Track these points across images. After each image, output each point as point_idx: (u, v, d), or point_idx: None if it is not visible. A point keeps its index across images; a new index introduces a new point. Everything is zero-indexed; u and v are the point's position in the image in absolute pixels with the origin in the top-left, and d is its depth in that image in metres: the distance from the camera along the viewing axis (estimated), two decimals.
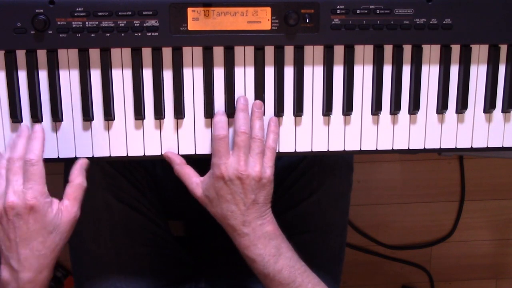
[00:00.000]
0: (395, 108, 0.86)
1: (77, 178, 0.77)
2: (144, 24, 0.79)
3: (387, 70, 0.85)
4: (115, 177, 1.00)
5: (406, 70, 0.86)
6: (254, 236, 0.81)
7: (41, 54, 0.81)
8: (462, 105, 0.87)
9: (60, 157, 0.84)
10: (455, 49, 0.86)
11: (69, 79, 0.82)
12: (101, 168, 0.99)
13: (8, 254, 0.71)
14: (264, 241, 0.82)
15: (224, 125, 0.82)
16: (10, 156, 0.73)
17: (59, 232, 0.74)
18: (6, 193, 0.70)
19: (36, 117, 0.82)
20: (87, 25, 0.78)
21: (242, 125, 0.81)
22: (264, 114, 0.85)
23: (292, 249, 0.85)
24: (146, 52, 0.82)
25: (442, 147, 0.88)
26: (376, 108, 0.86)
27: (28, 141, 0.76)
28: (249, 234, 0.81)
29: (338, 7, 0.81)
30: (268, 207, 0.84)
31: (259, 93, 0.84)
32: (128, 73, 0.82)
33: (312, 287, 0.84)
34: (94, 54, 0.81)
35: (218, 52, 0.82)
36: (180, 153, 0.85)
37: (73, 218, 0.76)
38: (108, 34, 0.79)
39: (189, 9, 0.79)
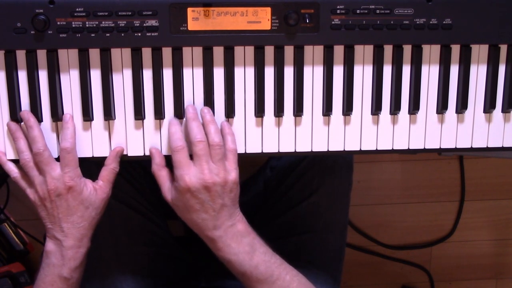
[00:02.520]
0: (395, 108, 0.86)
1: (112, 164, 0.85)
2: (144, 24, 0.79)
3: (387, 70, 0.85)
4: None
5: (406, 70, 0.86)
6: (226, 237, 0.82)
7: (41, 54, 0.80)
8: (462, 105, 0.87)
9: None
10: (455, 49, 0.86)
11: (69, 79, 0.82)
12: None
13: (52, 227, 0.82)
14: (237, 240, 0.82)
15: (180, 136, 0.81)
16: (35, 151, 0.80)
17: (94, 207, 0.83)
18: (46, 180, 0.80)
19: (36, 117, 0.81)
20: (87, 25, 0.78)
21: (197, 133, 0.80)
22: (264, 114, 0.85)
23: (265, 244, 0.85)
24: (146, 52, 0.82)
25: (442, 147, 0.88)
26: (376, 108, 0.86)
27: (37, 131, 0.81)
28: (222, 236, 0.82)
29: (338, 7, 0.81)
30: (237, 207, 0.84)
31: (259, 93, 0.84)
32: (128, 73, 0.82)
33: (291, 278, 0.84)
34: (94, 54, 0.81)
35: (218, 52, 0.82)
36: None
37: (105, 197, 0.85)
38: (108, 34, 0.79)
39: (189, 9, 0.79)
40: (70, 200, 0.81)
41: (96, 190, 0.84)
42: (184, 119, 0.83)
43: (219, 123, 0.83)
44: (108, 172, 0.85)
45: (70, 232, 0.82)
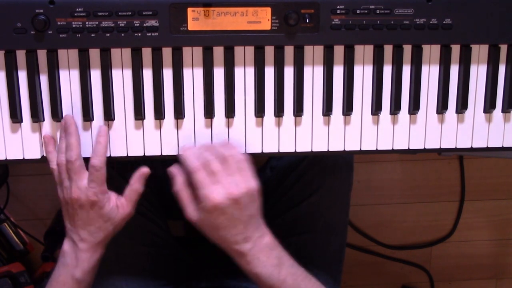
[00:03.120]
0: (395, 108, 0.86)
1: (135, 184, 0.86)
2: (144, 24, 0.79)
3: (387, 70, 0.85)
4: (114, 178, 1.00)
5: (406, 70, 0.86)
6: (255, 250, 0.80)
7: (41, 54, 0.81)
8: (462, 105, 0.87)
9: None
10: (455, 49, 0.86)
11: (69, 79, 0.82)
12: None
13: (71, 228, 0.85)
14: (266, 253, 0.81)
15: (196, 156, 0.80)
16: (68, 158, 0.81)
17: (112, 223, 0.85)
18: (71, 188, 0.82)
19: (36, 117, 0.82)
20: (87, 25, 0.78)
21: (208, 155, 0.79)
22: (264, 114, 0.84)
23: (290, 257, 0.84)
24: (146, 52, 0.82)
25: (442, 147, 0.88)
26: (376, 108, 0.86)
27: (74, 139, 0.82)
28: (251, 249, 0.80)
29: (338, 7, 0.81)
30: (261, 217, 0.83)
31: (259, 93, 0.84)
32: (128, 73, 0.82)
33: None
34: (94, 54, 0.81)
35: (218, 52, 0.82)
36: (180, 153, 0.85)
37: (126, 215, 0.86)
38: (108, 34, 0.79)
39: (189, 9, 0.79)
40: (90, 212, 0.83)
41: (118, 208, 0.85)
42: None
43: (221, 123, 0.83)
44: (131, 193, 0.86)
45: (86, 238, 0.84)
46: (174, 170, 0.82)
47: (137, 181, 0.86)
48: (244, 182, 0.79)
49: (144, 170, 0.86)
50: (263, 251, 0.81)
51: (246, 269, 0.82)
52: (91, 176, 0.81)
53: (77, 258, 0.83)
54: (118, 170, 1.01)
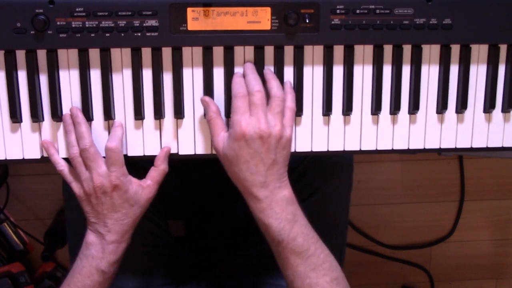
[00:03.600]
0: (395, 108, 0.86)
1: (162, 165, 0.85)
2: (144, 24, 0.79)
3: (387, 70, 0.85)
4: None
5: (406, 70, 0.86)
6: (272, 199, 0.78)
7: (41, 54, 0.81)
8: (462, 105, 0.87)
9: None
10: (455, 49, 0.86)
11: (69, 79, 0.82)
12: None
13: (96, 222, 0.83)
14: (282, 205, 0.79)
15: (244, 85, 0.79)
16: (82, 147, 0.81)
17: (139, 206, 0.84)
18: (92, 177, 0.81)
19: (36, 117, 0.82)
20: (87, 25, 0.78)
21: (256, 85, 0.78)
22: None
23: (306, 218, 0.82)
24: (146, 52, 0.82)
25: (442, 147, 0.88)
26: (376, 108, 0.86)
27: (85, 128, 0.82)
28: (268, 196, 0.78)
29: (338, 7, 0.81)
30: (286, 171, 0.81)
31: None
32: (128, 73, 0.82)
33: (324, 257, 0.81)
34: (94, 54, 0.81)
35: (218, 52, 0.82)
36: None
37: (151, 196, 0.86)
38: (108, 34, 0.79)
39: (189, 9, 0.79)
40: (115, 198, 0.82)
41: (143, 189, 0.84)
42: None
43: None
44: (157, 173, 0.85)
45: (114, 228, 0.83)
46: (206, 98, 0.82)
47: (163, 162, 0.85)
48: (279, 125, 0.78)
49: (167, 149, 0.85)
50: (279, 203, 0.79)
51: (259, 217, 0.80)
52: (110, 160, 0.81)
53: (103, 250, 0.83)
54: None
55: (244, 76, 0.82)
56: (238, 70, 0.83)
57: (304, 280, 0.79)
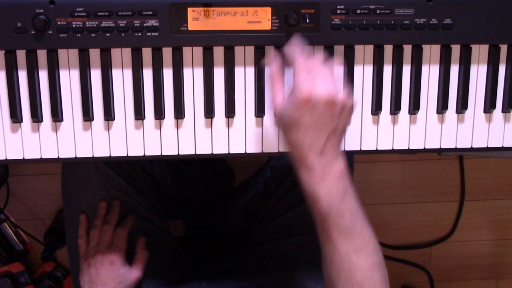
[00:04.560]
0: (395, 108, 0.86)
1: (140, 251, 1.01)
2: (144, 24, 0.79)
3: (387, 70, 0.85)
4: (112, 178, 1.00)
5: (406, 70, 0.86)
6: (325, 170, 0.73)
7: (41, 54, 0.80)
8: (462, 105, 0.87)
9: (60, 157, 0.84)
10: (455, 49, 0.86)
11: (69, 79, 0.82)
12: (98, 169, 0.99)
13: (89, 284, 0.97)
14: (334, 179, 0.73)
15: (302, 49, 0.76)
16: (104, 226, 0.99)
17: (125, 284, 0.97)
18: (97, 251, 0.97)
19: (36, 117, 0.82)
20: (87, 25, 0.78)
21: (316, 53, 0.75)
22: (264, 114, 0.84)
23: (356, 197, 0.77)
24: (146, 52, 0.82)
25: (442, 147, 0.88)
26: (376, 108, 0.86)
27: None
28: (321, 167, 0.73)
29: (338, 7, 0.81)
30: (342, 142, 0.77)
31: (259, 93, 0.84)
32: (128, 73, 0.82)
33: (368, 240, 0.77)
34: (94, 54, 0.81)
35: (218, 52, 0.82)
36: (180, 153, 0.85)
37: (137, 278, 0.99)
38: (108, 34, 0.79)
39: (189, 9, 0.79)
40: (109, 271, 0.96)
41: (131, 271, 0.99)
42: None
43: (222, 121, 0.83)
44: (139, 258, 1.01)
45: None
46: (272, 53, 0.78)
47: (140, 249, 1.01)
48: (345, 93, 0.73)
49: (142, 238, 1.02)
50: (331, 175, 0.73)
51: (309, 188, 0.75)
52: (115, 241, 0.98)
53: None
54: (115, 169, 1.01)
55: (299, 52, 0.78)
56: (238, 70, 0.83)
57: (344, 261, 0.74)
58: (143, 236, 1.03)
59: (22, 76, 0.81)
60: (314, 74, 0.72)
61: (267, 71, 0.82)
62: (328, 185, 0.73)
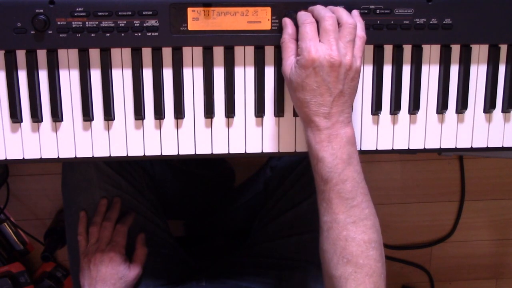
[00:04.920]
0: (395, 108, 0.86)
1: (140, 248, 1.01)
2: (144, 24, 0.79)
3: (387, 70, 0.85)
4: (112, 178, 1.01)
5: (406, 70, 0.86)
6: (332, 132, 0.74)
7: (41, 54, 0.80)
8: (462, 105, 0.87)
9: (60, 157, 0.84)
10: (455, 49, 0.86)
11: (69, 79, 0.82)
12: (99, 169, 0.99)
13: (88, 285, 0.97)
14: (340, 142, 0.74)
15: (310, 15, 0.76)
16: (104, 223, 0.99)
17: (125, 280, 0.97)
18: (97, 249, 0.98)
19: (36, 117, 0.82)
20: (87, 25, 0.78)
21: (327, 12, 0.75)
22: (264, 114, 0.85)
23: (361, 167, 0.77)
24: (146, 52, 0.82)
25: (442, 147, 0.88)
26: (376, 108, 0.86)
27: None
28: (328, 128, 0.74)
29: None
30: (351, 105, 0.77)
31: (259, 93, 0.84)
32: (128, 73, 0.82)
33: (368, 214, 0.76)
34: (94, 54, 0.81)
35: (218, 52, 0.82)
36: (180, 153, 0.85)
37: (137, 275, 1.00)
38: (108, 34, 0.79)
39: (189, 9, 0.79)
40: (109, 267, 0.96)
41: (130, 267, 0.98)
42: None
43: (222, 121, 0.83)
44: (138, 255, 1.01)
45: None
46: (286, 20, 0.78)
47: (140, 246, 1.01)
48: (350, 54, 0.74)
49: (141, 235, 1.02)
50: (338, 138, 0.74)
51: (314, 148, 0.75)
52: (114, 237, 0.98)
53: None
54: (115, 168, 1.01)
55: (308, 11, 0.78)
56: (238, 70, 0.83)
57: (341, 231, 0.73)
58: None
59: (22, 76, 0.81)
60: (320, 37, 0.73)
61: (268, 72, 0.83)
62: (334, 147, 0.73)
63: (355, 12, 0.78)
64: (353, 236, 0.73)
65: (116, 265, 0.96)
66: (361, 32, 0.76)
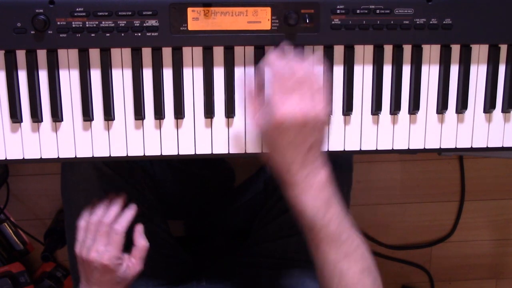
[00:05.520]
0: (395, 108, 0.86)
1: (141, 242, 0.92)
2: (144, 24, 0.79)
3: (387, 70, 0.85)
4: (112, 178, 1.00)
5: (406, 70, 0.86)
6: (306, 184, 0.75)
7: (41, 54, 0.81)
8: (462, 105, 0.87)
9: (60, 157, 0.84)
10: (455, 49, 0.86)
11: (69, 79, 0.82)
12: (98, 169, 0.99)
13: (86, 284, 0.90)
14: (316, 190, 0.76)
15: (281, 65, 0.76)
16: (103, 220, 0.89)
17: (124, 283, 0.91)
18: (90, 249, 0.87)
19: (36, 117, 0.82)
20: (87, 25, 0.78)
21: (295, 65, 0.76)
22: None
23: (341, 203, 0.79)
24: (146, 52, 0.82)
25: (442, 147, 0.88)
26: (376, 108, 0.86)
27: (118, 210, 0.91)
28: (303, 181, 0.75)
29: (338, 7, 0.81)
30: (322, 153, 0.78)
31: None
32: (128, 73, 0.82)
33: (356, 246, 0.78)
34: (94, 54, 0.81)
35: (218, 52, 0.82)
36: (180, 153, 0.85)
37: (136, 273, 0.92)
38: (108, 34, 0.79)
39: (189, 9, 0.79)
40: (104, 275, 0.88)
41: (129, 268, 0.91)
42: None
43: (223, 122, 0.83)
44: (139, 251, 0.92)
45: None
46: (242, 78, 0.80)
47: (140, 238, 0.92)
48: (317, 106, 0.75)
49: (139, 226, 0.93)
50: (313, 187, 0.76)
51: (293, 201, 0.77)
52: (111, 239, 0.87)
53: None
54: (115, 169, 1.01)
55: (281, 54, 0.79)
56: (238, 70, 0.83)
57: (334, 268, 0.76)
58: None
59: (22, 76, 0.81)
60: (287, 94, 0.74)
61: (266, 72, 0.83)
62: (311, 197, 0.75)
63: (317, 55, 0.81)
64: (346, 271, 0.76)
65: (111, 272, 0.89)
66: (319, 82, 0.77)
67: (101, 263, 0.86)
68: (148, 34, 0.80)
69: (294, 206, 0.77)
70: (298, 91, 0.74)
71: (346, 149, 0.87)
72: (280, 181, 0.78)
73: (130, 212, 0.92)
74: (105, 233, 0.88)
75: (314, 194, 0.75)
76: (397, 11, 0.82)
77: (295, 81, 0.75)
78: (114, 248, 0.87)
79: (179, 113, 0.83)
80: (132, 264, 0.91)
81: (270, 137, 0.76)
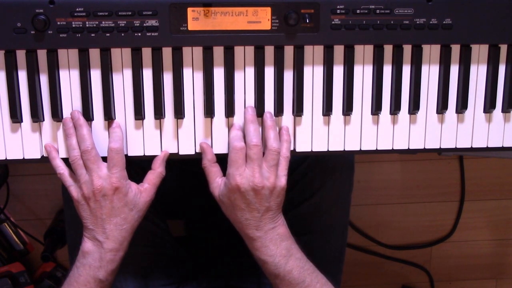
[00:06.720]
0: (395, 108, 0.86)
1: (159, 167, 0.86)
2: (144, 24, 0.79)
3: (387, 70, 0.85)
4: None
5: (406, 70, 0.86)
6: (266, 239, 0.83)
7: (41, 54, 0.81)
8: (462, 105, 0.87)
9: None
10: (455, 49, 0.86)
11: (69, 79, 0.82)
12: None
13: (94, 229, 0.82)
14: (276, 243, 0.83)
15: (241, 137, 0.83)
16: (83, 149, 0.81)
17: (138, 210, 0.84)
18: (92, 179, 0.80)
19: (36, 117, 0.82)
20: (87, 25, 0.78)
21: (254, 137, 0.82)
22: (263, 114, 0.84)
23: (301, 250, 0.86)
24: (146, 52, 0.82)
25: (442, 147, 0.89)
26: (376, 108, 0.86)
27: (85, 131, 0.82)
28: (261, 237, 0.83)
29: (338, 7, 0.81)
30: (280, 211, 0.85)
31: (259, 93, 0.84)
32: (128, 73, 0.82)
33: (320, 285, 0.85)
34: (94, 54, 0.81)
35: (218, 52, 0.82)
36: (180, 153, 0.85)
37: (149, 199, 0.86)
38: (108, 34, 0.79)
39: (189, 9, 0.79)
40: (115, 201, 0.81)
41: (141, 193, 0.85)
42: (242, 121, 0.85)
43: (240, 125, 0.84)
44: (155, 176, 0.86)
45: (112, 234, 0.82)
46: (204, 145, 0.85)
47: (160, 165, 0.86)
48: (273, 177, 0.82)
49: (165, 152, 0.85)
50: (272, 241, 0.83)
51: (255, 254, 0.85)
52: (113, 161, 0.81)
53: (101, 259, 0.82)
54: None
55: (244, 121, 0.84)
56: (238, 71, 0.83)
57: None
58: (143, 235, 1.03)
59: (22, 76, 0.81)
60: (246, 164, 0.81)
61: (267, 71, 0.83)
62: (271, 250, 0.83)
63: (285, 130, 0.85)
64: None
65: (122, 196, 0.82)
66: (286, 152, 0.84)
67: (110, 184, 0.80)
68: (148, 34, 0.80)
69: (257, 257, 0.85)
70: (254, 165, 0.81)
71: (346, 149, 0.87)
72: (242, 235, 0.85)
73: (118, 129, 0.83)
74: (95, 158, 0.81)
75: (274, 246, 0.83)
76: (397, 11, 0.82)
77: (254, 154, 0.81)
78: (119, 168, 0.81)
79: (179, 113, 0.83)
80: (145, 189, 0.85)
81: (228, 200, 0.83)
